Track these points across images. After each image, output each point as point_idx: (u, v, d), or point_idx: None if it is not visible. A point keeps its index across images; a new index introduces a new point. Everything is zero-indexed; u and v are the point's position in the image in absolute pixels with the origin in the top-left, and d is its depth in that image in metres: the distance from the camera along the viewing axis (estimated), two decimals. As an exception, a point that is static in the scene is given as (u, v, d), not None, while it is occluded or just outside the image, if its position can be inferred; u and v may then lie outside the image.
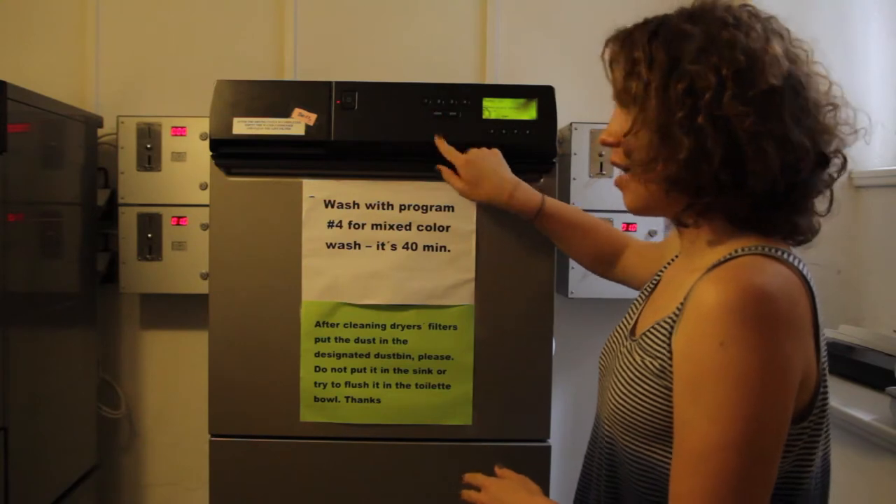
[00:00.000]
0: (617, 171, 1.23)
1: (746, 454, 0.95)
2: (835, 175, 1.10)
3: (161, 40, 2.67)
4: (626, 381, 1.12)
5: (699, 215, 1.10)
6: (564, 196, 2.45)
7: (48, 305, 2.26)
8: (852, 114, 1.11)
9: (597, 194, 2.45)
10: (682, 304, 1.06)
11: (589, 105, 2.64)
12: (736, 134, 1.02)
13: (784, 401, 0.97)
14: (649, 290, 1.27)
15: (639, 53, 1.10)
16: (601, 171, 2.44)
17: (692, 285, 1.05)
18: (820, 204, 1.11)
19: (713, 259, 1.07)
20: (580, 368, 2.72)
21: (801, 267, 1.04)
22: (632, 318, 1.24)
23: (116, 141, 2.50)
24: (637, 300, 1.30)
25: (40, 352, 2.19)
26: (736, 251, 1.06)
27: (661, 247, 1.51)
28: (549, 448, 2.08)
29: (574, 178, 2.44)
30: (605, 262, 1.67)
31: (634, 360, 1.12)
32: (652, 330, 1.11)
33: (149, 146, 2.49)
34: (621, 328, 1.25)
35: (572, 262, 2.44)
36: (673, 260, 1.29)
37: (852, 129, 1.11)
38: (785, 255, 1.04)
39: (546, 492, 2.08)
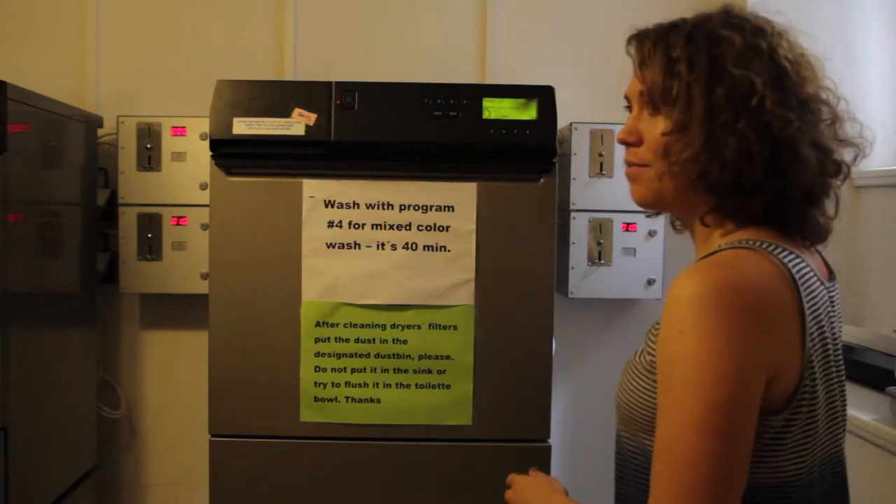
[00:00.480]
0: (616, 171, 1.22)
1: (706, 436, 0.96)
2: (841, 181, 1.14)
3: (161, 40, 2.67)
4: (627, 377, 1.16)
5: (725, 216, 1.11)
6: (564, 196, 2.45)
7: (48, 305, 2.26)
8: (859, 127, 1.14)
9: (597, 194, 2.45)
10: None
11: (589, 105, 2.64)
12: (776, 137, 1.06)
13: (742, 388, 0.98)
14: None
15: (678, 54, 1.11)
16: (601, 170, 2.44)
17: None
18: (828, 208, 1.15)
19: (706, 253, 1.10)
20: (580, 368, 2.72)
21: (789, 262, 1.05)
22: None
23: (116, 141, 2.50)
24: None
25: (40, 352, 2.19)
26: (720, 246, 1.08)
27: None
28: (549, 448, 2.08)
29: (574, 178, 2.44)
30: None
31: (635, 357, 1.16)
32: (653, 328, 1.14)
33: (149, 146, 2.49)
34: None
35: (572, 262, 2.44)
36: None
37: (866, 140, 1.15)
38: (771, 249, 1.06)
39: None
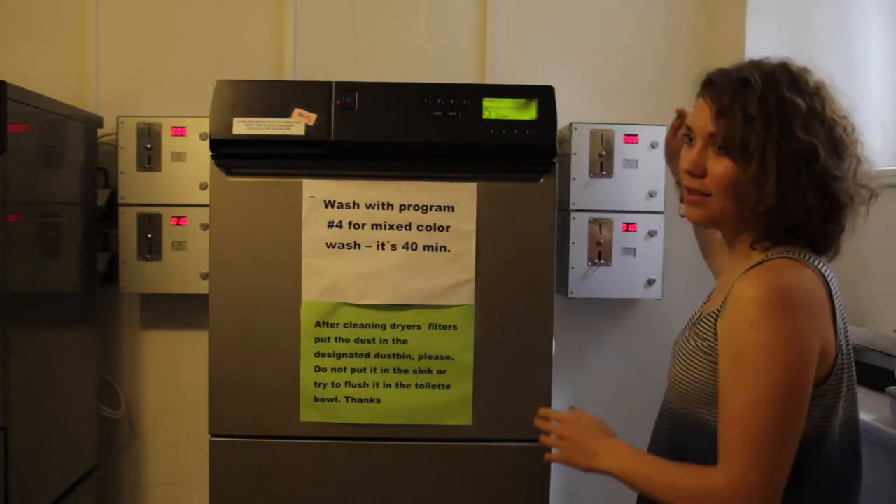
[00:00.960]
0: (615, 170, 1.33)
1: (776, 409, 1.23)
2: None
3: (161, 40, 2.67)
4: (682, 359, 1.41)
5: (772, 242, 1.35)
6: (564, 196, 2.45)
7: (48, 305, 2.26)
8: (871, 167, 1.41)
9: (597, 194, 2.45)
10: (726, 299, 1.34)
11: (589, 105, 2.64)
12: (827, 192, 1.32)
13: (802, 368, 1.25)
14: (711, 293, 1.56)
15: (753, 112, 1.31)
16: (601, 170, 2.44)
17: (732, 285, 1.33)
18: None
19: (752, 263, 1.34)
20: (580, 368, 2.72)
21: (822, 269, 1.33)
22: (697, 314, 1.51)
23: (116, 141, 2.49)
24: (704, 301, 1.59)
25: (40, 352, 2.19)
26: (768, 256, 1.33)
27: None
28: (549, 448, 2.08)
29: (574, 178, 2.44)
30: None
31: (689, 343, 1.41)
32: (703, 319, 1.41)
33: (149, 146, 2.49)
34: (689, 321, 1.53)
35: (572, 262, 2.45)
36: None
37: (879, 184, 1.43)
38: (809, 260, 1.32)
39: (545, 492, 2.08)
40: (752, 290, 1.27)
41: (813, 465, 1.32)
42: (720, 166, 1.35)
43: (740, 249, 1.41)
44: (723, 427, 1.28)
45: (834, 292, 1.32)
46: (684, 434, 1.42)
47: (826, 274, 1.33)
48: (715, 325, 1.35)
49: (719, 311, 1.35)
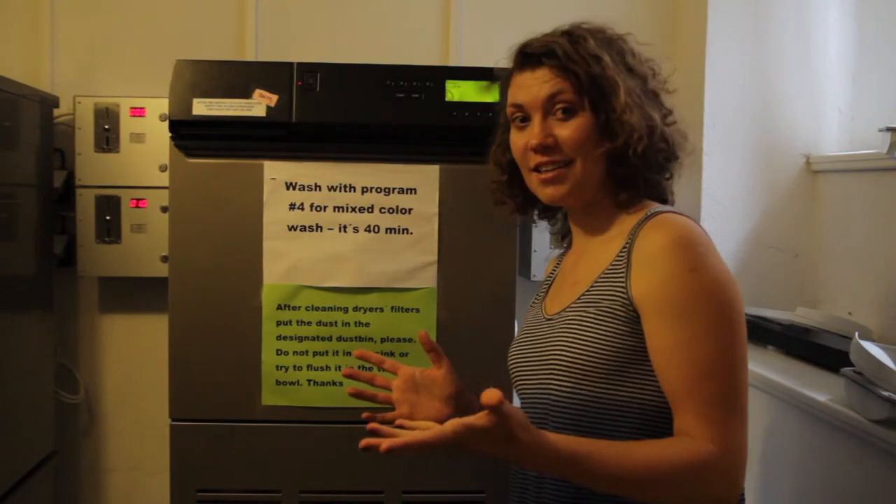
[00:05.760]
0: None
1: (739, 354, 1.16)
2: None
3: (120, 18, 2.62)
4: (581, 337, 1.25)
5: (634, 193, 1.32)
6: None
7: (3, 289, 2.21)
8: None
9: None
10: (618, 262, 1.26)
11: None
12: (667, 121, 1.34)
13: (742, 305, 1.20)
14: (548, 285, 1.49)
15: (595, 51, 1.29)
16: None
17: (624, 245, 1.26)
18: None
19: (633, 222, 1.28)
20: (542, 351, 2.73)
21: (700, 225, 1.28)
22: (539, 308, 1.44)
23: (73, 121, 2.45)
24: (536, 299, 1.50)
25: (-5, 336, 2.16)
26: (648, 213, 1.28)
27: None
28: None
29: (537, 162, 2.44)
30: None
31: (584, 318, 1.26)
32: (593, 291, 1.28)
33: (107, 127, 2.45)
34: (534, 320, 1.44)
35: (535, 245, 2.45)
36: (562, 258, 1.51)
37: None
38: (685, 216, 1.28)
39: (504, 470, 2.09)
40: (669, 236, 1.20)
41: None
42: (572, 126, 1.28)
43: (599, 217, 1.35)
44: (686, 390, 1.14)
45: None
46: (584, 420, 1.24)
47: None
48: (621, 287, 1.23)
49: (619, 274, 1.24)
